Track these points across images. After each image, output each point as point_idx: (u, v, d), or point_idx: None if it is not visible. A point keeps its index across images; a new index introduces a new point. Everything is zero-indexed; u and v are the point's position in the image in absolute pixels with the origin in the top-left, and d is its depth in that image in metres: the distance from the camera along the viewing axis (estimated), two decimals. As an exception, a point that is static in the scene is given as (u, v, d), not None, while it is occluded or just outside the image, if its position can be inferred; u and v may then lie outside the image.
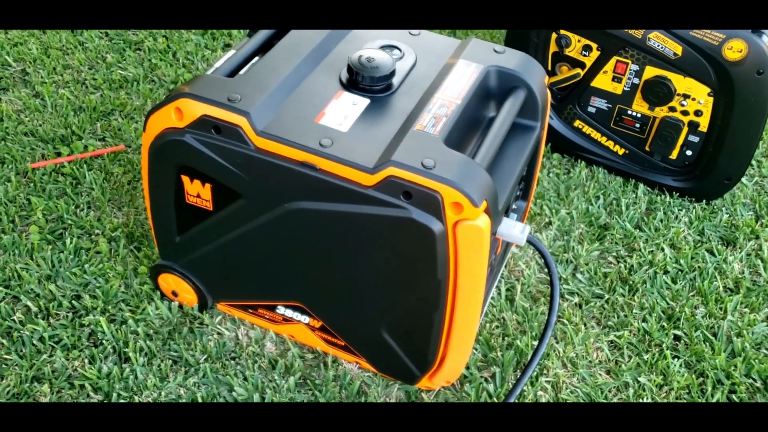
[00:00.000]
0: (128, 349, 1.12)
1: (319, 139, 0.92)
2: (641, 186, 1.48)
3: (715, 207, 1.46)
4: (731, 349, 1.20)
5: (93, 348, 1.13)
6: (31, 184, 1.37)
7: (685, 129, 1.41)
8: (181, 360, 1.13)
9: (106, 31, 1.76)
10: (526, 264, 1.31)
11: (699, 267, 1.33)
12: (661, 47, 1.32)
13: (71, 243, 1.26)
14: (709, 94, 1.35)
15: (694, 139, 1.41)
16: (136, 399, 1.07)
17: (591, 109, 1.48)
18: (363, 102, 0.99)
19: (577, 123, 1.50)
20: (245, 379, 1.11)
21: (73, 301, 1.19)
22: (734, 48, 1.26)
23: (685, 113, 1.39)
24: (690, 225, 1.41)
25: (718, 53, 1.28)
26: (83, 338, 1.14)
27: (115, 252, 1.27)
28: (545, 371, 1.15)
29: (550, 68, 1.47)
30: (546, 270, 1.30)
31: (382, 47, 1.07)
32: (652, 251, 1.35)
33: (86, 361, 1.12)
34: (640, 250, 1.35)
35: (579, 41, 1.41)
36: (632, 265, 1.32)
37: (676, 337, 1.22)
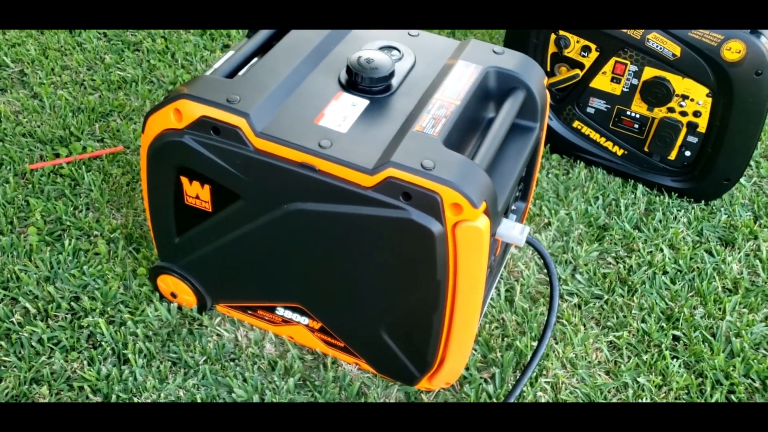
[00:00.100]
0: (127, 350, 1.12)
1: (319, 140, 0.92)
2: (640, 186, 1.48)
3: (713, 207, 1.46)
4: (730, 349, 1.20)
5: (92, 350, 1.13)
6: (30, 186, 1.37)
7: (684, 130, 1.41)
8: (180, 361, 1.12)
9: (105, 32, 1.76)
10: (525, 265, 1.31)
11: (698, 267, 1.33)
12: (660, 48, 1.33)
13: (70, 244, 1.26)
14: (707, 95, 1.35)
15: (693, 139, 1.41)
16: (135, 401, 1.07)
17: (590, 110, 1.48)
18: (362, 103, 0.99)
19: (576, 124, 1.50)
20: (245, 380, 1.11)
21: (72, 303, 1.19)
22: (733, 49, 1.26)
23: (683, 114, 1.39)
24: (689, 225, 1.41)
25: (716, 54, 1.28)
26: (82, 340, 1.14)
27: (114, 253, 1.27)
28: (545, 372, 1.15)
29: (549, 69, 1.47)
30: (545, 271, 1.30)
31: (381, 48, 1.07)
32: (651, 252, 1.35)
33: (85, 362, 1.11)
34: (639, 250, 1.35)
35: (578, 42, 1.41)
36: (631, 266, 1.32)
37: (675, 338, 1.22)
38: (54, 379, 1.09)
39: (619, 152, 1.49)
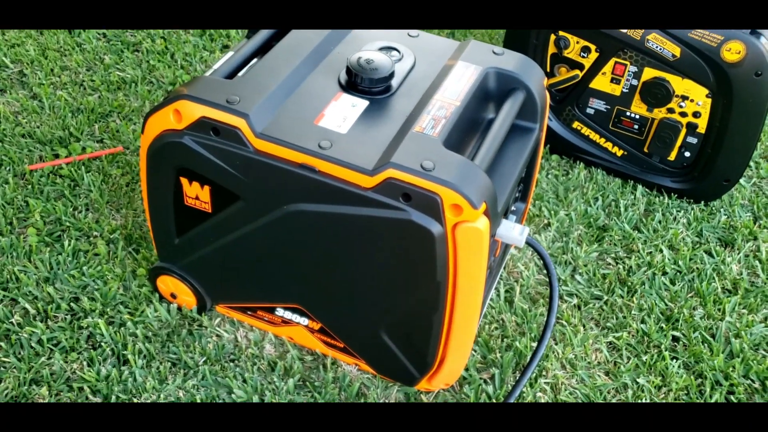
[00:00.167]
0: (127, 351, 1.12)
1: (318, 141, 0.92)
2: (640, 187, 1.48)
3: (713, 208, 1.46)
4: (729, 350, 1.20)
5: (92, 350, 1.13)
6: (29, 186, 1.37)
7: (684, 130, 1.41)
8: (180, 362, 1.12)
9: (104, 32, 1.76)
10: (524, 265, 1.31)
11: (697, 268, 1.33)
12: (660, 49, 1.33)
13: (69, 245, 1.26)
14: (707, 96, 1.35)
15: (693, 140, 1.41)
16: (135, 401, 1.07)
17: (590, 111, 1.48)
18: (362, 104, 0.99)
19: (576, 124, 1.50)
20: (244, 381, 1.11)
21: (72, 304, 1.19)
22: (732, 49, 1.26)
23: (683, 115, 1.39)
24: (688, 226, 1.41)
25: (716, 55, 1.28)
26: (82, 341, 1.14)
27: (113, 254, 1.27)
28: (544, 373, 1.15)
29: (548, 70, 1.47)
30: (545, 271, 1.30)
31: (381, 49, 1.07)
32: (650, 252, 1.35)
33: (85, 363, 1.11)
34: (638, 251, 1.35)
35: (578, 43, 1.41)
36: (631, 267, 1.32)
37: (675, 338, 1.22)
38: (54, 379, 1.09)
39: (619, 153, 1.49)
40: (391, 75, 1.01)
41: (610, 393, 1.14)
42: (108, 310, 1.18)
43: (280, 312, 1.12)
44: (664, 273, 1.32)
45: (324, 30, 1.09)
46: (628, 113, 1.44)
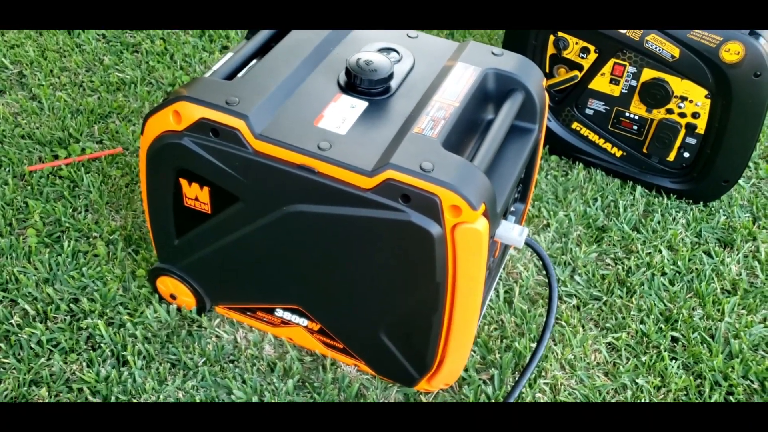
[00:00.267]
0: (126, 352, 1.12)
1: (318, 142, 0.92)
2: (639, 188, 1.49)
3: (712, 209, 1.46)
4: (729, 350, 1.20)
5: (91, 351, 1.13)
6: (29, 187, 1.37)
7: (683, 131, 1.41)
8: (179, 363, 1.12)
9: (103, 33, 1.76)
10: (524, 266, 1.31)
11: (696, 269, 1.33)
12: (659, 49, 1.33)
13: (69, 246, 1.26)
14: (706, 96, 1.35)
15: (692, 141, 1.41)
16: (135, 402, 1.07)
17: (589, 111, 1.48)
18: (361, 105, 0.99)
19: (575, 125, 1.50)
20: (244, 382, 1.11)
21: (71, 305, 1.19)
22: (732, 50, 1.27)
23: (682, 115, 1.39)
24: (687, 227, 1.41)
25: (715, 55, 1.28)
26: (81, 341, 1.14)
27: (113, 255, 1.27)
28: (543, 373, 1.15)
29: (547, 70, 1.47)
30: (544, 272, 1.30)
31: (380, 50, 1.07)
32: (649, 253, 1.35)
33: (84, 364, 1.11)
34: (637, 252, 1.35)
35: (577, 43, 1.41)
36: (630, 267, 1.32)
37: (674, 339, 1.22)
38: (53, 380, 1.09)
39: (618, 153, 1.49)
40: (390, 76, 1.01)
41: (609, 393, 1.14)
42: (107, 311, 1.18)
43: (279, 313, 1.12)
44: (663, 273, 1.32)
45: (323, 31, 1.09)
46: (627, 114, 1.44)
